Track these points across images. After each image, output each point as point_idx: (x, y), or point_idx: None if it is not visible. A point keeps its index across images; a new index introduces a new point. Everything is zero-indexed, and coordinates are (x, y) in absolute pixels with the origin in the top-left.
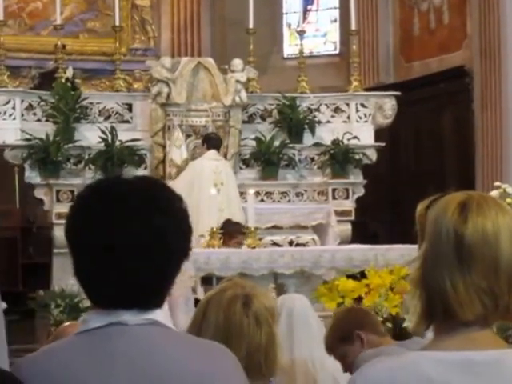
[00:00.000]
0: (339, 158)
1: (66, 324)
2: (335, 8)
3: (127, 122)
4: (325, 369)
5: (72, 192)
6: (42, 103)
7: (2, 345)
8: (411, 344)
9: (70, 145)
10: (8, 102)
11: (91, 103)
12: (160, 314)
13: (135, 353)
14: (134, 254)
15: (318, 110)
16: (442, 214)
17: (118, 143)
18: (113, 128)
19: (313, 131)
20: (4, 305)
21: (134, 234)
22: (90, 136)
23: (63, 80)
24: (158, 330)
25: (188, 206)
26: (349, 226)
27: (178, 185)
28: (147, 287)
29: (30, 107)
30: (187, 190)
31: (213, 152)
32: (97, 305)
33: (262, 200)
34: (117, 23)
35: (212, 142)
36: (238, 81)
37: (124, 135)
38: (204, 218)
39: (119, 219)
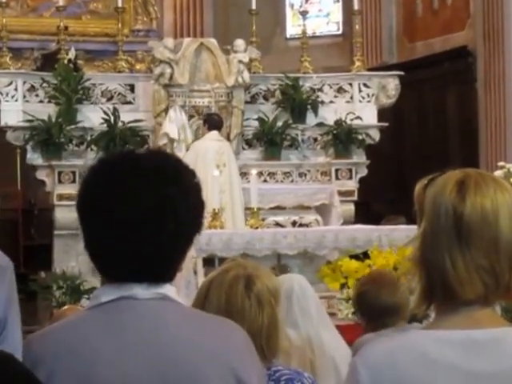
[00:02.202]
0: (342, 138)
1: (65, 308)
2: None
3: (130, 103)
4: (324, 351)
5: (74, 173)
6: (45, 85)
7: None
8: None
9: (73, 126)
10: (10, 84)
11: (93, 84)
12: (171, 289)
13: (145, 327)
14: (145, 225)
15: (320, 90)
16: (440, 193)
17: (120, 124)
18: (115, 109)
19: (316, 111)
20: None
21: (145, 204)
22: (92, 117)
23: (65, 61)
24: (169, 305)
25: None
26: (352, 207)
27: None
28: (158, 260)
29: (33, 89)
30: None
31: (215, 133)
32: (108, 278)
33: (265, 180)
34: (119, 4)
35: (213, 122)
36: (240, 61)
37: (126, 116)
38: (207, 200)
39: (131, 189)
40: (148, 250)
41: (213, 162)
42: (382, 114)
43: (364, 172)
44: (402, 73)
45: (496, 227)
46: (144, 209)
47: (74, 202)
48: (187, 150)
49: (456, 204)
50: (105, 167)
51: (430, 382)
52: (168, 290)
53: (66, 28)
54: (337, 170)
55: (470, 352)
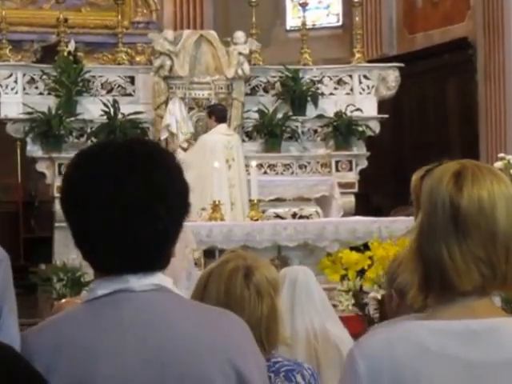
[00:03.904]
0: (342, 129)
1: (63, 301)
2: None
3: (129, 95)
4: (328, 340)
5: None
6: (44, 77)
7: (13, 317)
8: None
9: (73, 118)
10: (10, 76)
11: (93, 76)
12: (167, 280)
13: (143, 320)
14: (135, 211)
15: (320, 82)
16: (436, 185)
17: (120, 116)
18: (115, 101)
19: (316, 103)
20: None
21: (134, 190)
22: (92, 109)
23: (65, 53)
24: (166, 296)
25: (198, 180)
26: (352, 198)
27: (188, 158)
28: (152, 248)
29: (32, 81)
30: (197, 164)
31: (224, 126)
32: (101, 272)
33: (265, 172)
34: None
35: (220, 113)
36: (240, 53)
37: (126, 108)
38: (213, 193)
39: (118, 177)
40: (142, 239)
41: (222, 157)
42: (382, 105)
43: (364, 164)
44: (402, 64)
45: (493, 218)
46: (135, 199)
47: None
48: (186, 143)
49: (453, 195)
50: (85, 158)
51: (427, 372)
52: (164, 280)
53: (66, 20)
54: (337, 162)
55: (468, 342)
